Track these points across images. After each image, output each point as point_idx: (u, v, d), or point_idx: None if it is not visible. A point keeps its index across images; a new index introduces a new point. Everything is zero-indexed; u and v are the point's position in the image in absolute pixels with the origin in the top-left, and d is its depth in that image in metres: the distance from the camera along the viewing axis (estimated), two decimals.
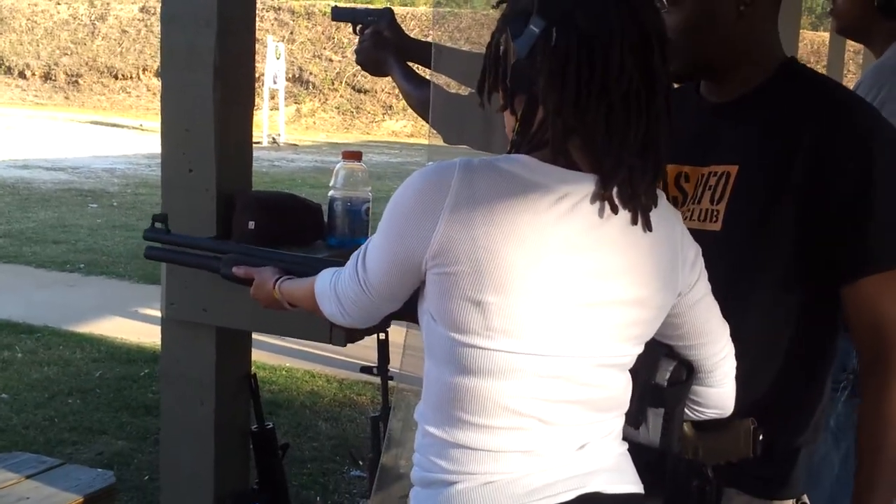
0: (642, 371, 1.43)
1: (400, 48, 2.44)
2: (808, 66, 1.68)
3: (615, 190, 1.27)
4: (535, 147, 1.30)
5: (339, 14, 2.60)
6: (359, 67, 2.54)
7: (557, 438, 1.32)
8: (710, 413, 1.53)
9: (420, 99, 2.34)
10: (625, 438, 1.44)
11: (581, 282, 1.28)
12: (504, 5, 1.37)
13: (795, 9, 7.65)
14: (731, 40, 1.59)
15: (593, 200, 1.28)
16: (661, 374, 1.45)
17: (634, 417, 1.45)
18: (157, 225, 2.03)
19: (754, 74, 1.62)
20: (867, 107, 1.58)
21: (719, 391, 1.51)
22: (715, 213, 1.57)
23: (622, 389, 1.39)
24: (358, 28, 2.48)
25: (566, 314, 1.28)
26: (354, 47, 2.49)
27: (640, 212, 1.30)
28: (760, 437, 1.56)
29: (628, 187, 1.28)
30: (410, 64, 2.44)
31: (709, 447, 1.54)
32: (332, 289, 1.47)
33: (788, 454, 1.65)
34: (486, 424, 1.29)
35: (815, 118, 1.53)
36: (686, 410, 1.51)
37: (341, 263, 1.58)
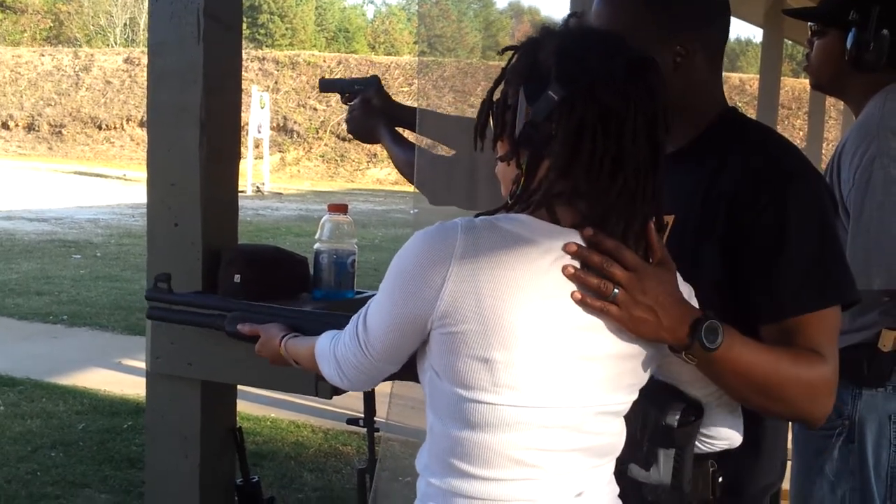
0: (653, 412, 1.47)
1: (389, 115, 2.50)
2: (760, 118, 1.73)
3: None
4: (529, 202, 1.33)
5: (326, 85, 2.67)
6: (343, 116, 2.59)
7: (558, 487, 1.35)
8: (721, 444, 1.56)
9: (410, 163, 2.37)
10: (635, 479, 1.49)
11: (578, 335, 1.32)
12: (508, 53, 1.40)
13: (776, 56, 7.76)
14: (670, 91, 1.63)
15: None
16: (671, 415, 1.48)
17: (645, 458, 1.49)
18: (161, 284, 2.02)
19: (694, 126, 1.68)
20: (790, 155, 1.62)
21: (726, 425, 1.54)
22: None
23: (618, 435, 1.43)
24: (346, 97, 2.54)
25: (566, 367, 1.32)
26: (345, 116, 2.53)
27: None
28: (720, 480, 1.58)
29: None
30: (399, 130, 2.48)
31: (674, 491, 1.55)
32: (331, 352, 1.49)
33: (755, 496, 1.69)
34: (491, 476, 1.33)
35: (740, 165, 1.58)
36: (698, 444, 1.54)
37: (344, 318, 1.59)
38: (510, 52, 1.40)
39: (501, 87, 1.40)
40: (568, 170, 1.30)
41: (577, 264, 1.32)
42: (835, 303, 1.55)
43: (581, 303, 1.32)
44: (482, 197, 1.47)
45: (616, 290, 1.33)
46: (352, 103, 2.54)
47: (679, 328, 1.38)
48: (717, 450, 1.56)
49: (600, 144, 1.28)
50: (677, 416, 1.48)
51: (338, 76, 31.63)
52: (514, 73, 1.38)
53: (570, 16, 1.40)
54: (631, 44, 1.36)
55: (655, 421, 1.47)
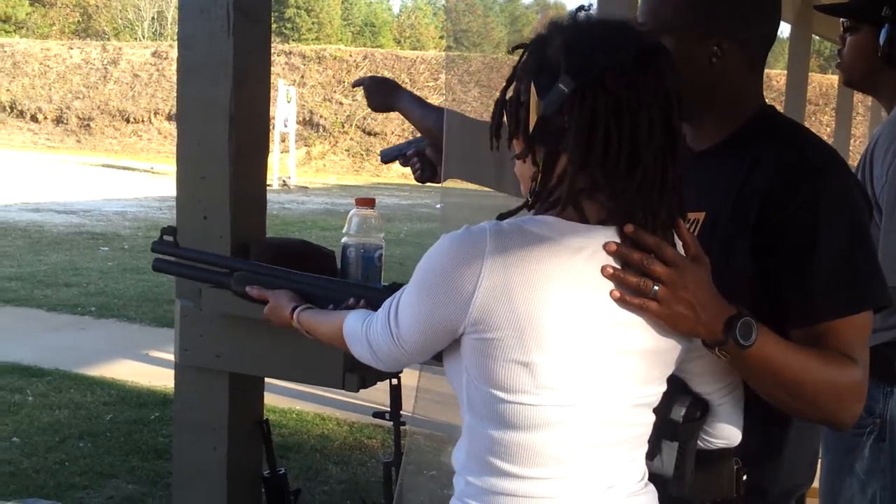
0: (660, 406, 1.47)
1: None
2: (787, 114, 1.72)
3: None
4: (553, 201, 1.33)
5: (387, 157, 2.77)
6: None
7: (593, 480, 1.36)
8: (719, 443, 1.56)
9: (429, 127, 2.41)
10: None
11: (614, 331, 1.33)
12: (519, 51, 1.40)
13: (804, 52, 7.71)
14: (703, 88, 1.62)
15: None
16: (676, 410, 1.50)
17: (651, 449, 1.50)
18: (167, 238, 2.03)
19: (728, 123, 1.67)
20: (823, 153, 1.61)
21: (727, 423, 1.55)
22: None
23: (651, 426, 1.45)
24: (404, 159, 2.65)
25: (603, 362, 1.32)
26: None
27: None
28: (744, 478, 1.58)
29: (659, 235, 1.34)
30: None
31: (694, 485, 1.55)
32: (363, 335, 1.50)
33: (781, 497, 1.69)
34: (533, 475, 1.33)
35: (774, 165, 1.57)
36: (696, 441, 1.55)
37: (356, 288, 1.60)
38: (520, 51, 1.40)
39: (514, 85, 1.40)
40: (585, 163, 1.29)
41: (615, 263, 1.32)
42: (866, 308, 1.53)
43: (620, 301, 1.32)
44: (510, 176, 1.47)
45: (656, 287, 1.33)
46: (408, 156, 2.64)
47: (714, 324, 1.38)
48: (713, 448, 1.56)
49: (614, 135, 1.28)
50: (682, 412, 1.50)
51: (363, 71, 31.68)
52: (524, 70, 1.38)
53: (577, 9, 1.40)
54: (639, 32, 1.36)
55: (661, 414, 1.48)
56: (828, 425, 1.62)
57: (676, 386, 1.50)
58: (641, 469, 1.45)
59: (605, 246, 1.31)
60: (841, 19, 2.51)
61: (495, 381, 1.31)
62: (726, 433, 1.55)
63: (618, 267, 1.32)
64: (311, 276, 1.83)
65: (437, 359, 1.45)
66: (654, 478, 1.51)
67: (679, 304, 1.35)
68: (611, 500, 1.38)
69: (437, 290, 1.32)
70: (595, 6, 1.43)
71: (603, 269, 1.31)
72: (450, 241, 1.33)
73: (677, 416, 1.49)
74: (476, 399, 1.35)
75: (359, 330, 1.51)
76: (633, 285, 1.32)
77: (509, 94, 1.41)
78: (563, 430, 1.32)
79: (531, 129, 1.34)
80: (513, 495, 1.33)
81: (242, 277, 1.85)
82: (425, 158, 2.64)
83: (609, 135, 1.28)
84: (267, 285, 1.81)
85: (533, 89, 1.33)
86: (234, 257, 2.27)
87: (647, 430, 1.43)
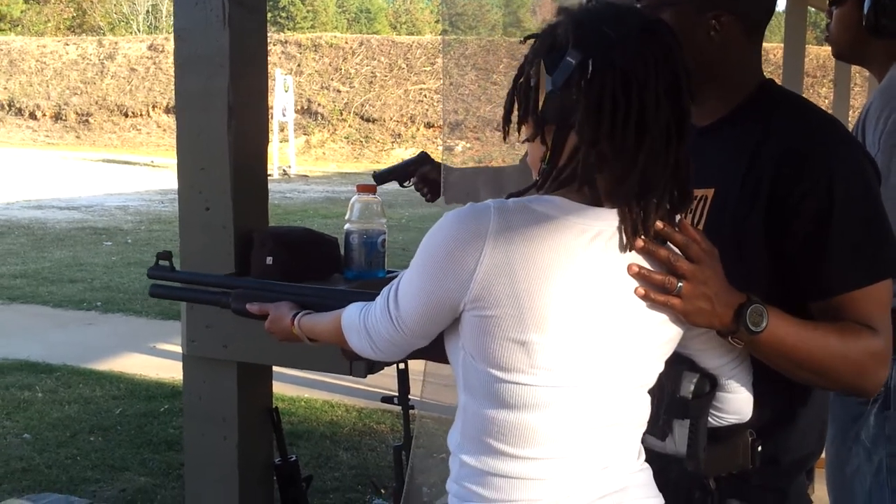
0: (668, 384, 1.48)
1: None
2: (785, 87, 1.71)
3: (641, 221, 1.33)
4: (563, 180, 1.33)
5: (381, 177, 2.93)
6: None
7: (587, 462, 1.37)
8: (731, 419, 1.56)
9: None
10: (651, 450, 1.50)
11: (619, 312, 1.33)
12: (531, 41, 1.41)
13: (800, 24, 7.68)
14: (703, 63, 1.61)
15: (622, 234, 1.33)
16: (685, 387, 1.50)
17: (661, 429, 1.51)
18: (162, 262, 2.00)
19: (730, 97, 1.67)
20: (832, 128, 1.61)
21: (737, 396, 1.55)
22: None
23: (647, 406, 1.45)
24: (403, 182, 2.88)
25: (601, 346, 1.33)
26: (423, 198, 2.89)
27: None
28: (759, 449, 1.60)
29: (658, 215, 1.34)
30: None
31: (709, 459, 1.56)
32: (361, 324, 1.49)
33: (793, 466, 1.69)
34: (529, 456, 1.33)
35: (781, 141, 1.56)
36: (708, 418, 1.55)
37: (353, 295, 1.61)
38: (532, 41, 1.41)
39: (525, 72, 1.40)
40: (595, 138, 1.29)
41: (642, 262, 1.34)
42: (884, 277, 1.53)
43: (645, 298, 1.33)
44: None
45: (680, 284, 1.34)
46: (414, 183, 2.87)
47: (727, 314, 1.40)
48: (726, 424, 1.56)
49: (622, 108, 1.28)
50: (692, 388, 1.50)
51: (360, 58, 31.67)
52: (535, 53, 1.38)
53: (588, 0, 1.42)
54: (644, 13, 1.38)
55: (671, 393, 1.49)
56: (852, 395, 1.63)
57: (683, 363, 1.50)
58: (637, 449, 1.45)
59: (634, 243, 1.32)
60: None
61: (492, 360, 1.31)
62: (737, 407, 1.55)
63: (644, 266, 1.34)
64: (309, 287, 1.80)
65: (431, 356, 1.45)
66: (667, 457, 1.52)
67: (699, 299, 1.37)
68: (605, 480, 1.38)
69: (439, 266, 1.32)
70: None
71: (629, 268, 1.32)
72: (453, 217, 1.33)
73: (686, 393, 1.49)
74: (472, 377, 1.35)
75: (356, 319, 1.50)
76: (659, 283, 1.34)
77: (521, 81, 1.41)
78: (558, 410, 1.32)
79: (540, 107, 1.34)
80: (507, 476, 1.34)
81: (240, 295, 1.81)
82: (430, 182, 2.80)
83: (616, 108, 1.28)
84: (265, 300, 1.78)
85: (542, 67, 1.34)
86: (237, 273, 2.28)
87: (645, 410, 1.44)
